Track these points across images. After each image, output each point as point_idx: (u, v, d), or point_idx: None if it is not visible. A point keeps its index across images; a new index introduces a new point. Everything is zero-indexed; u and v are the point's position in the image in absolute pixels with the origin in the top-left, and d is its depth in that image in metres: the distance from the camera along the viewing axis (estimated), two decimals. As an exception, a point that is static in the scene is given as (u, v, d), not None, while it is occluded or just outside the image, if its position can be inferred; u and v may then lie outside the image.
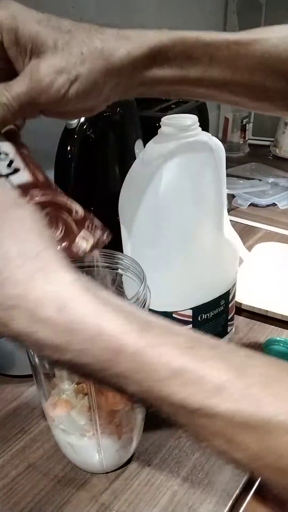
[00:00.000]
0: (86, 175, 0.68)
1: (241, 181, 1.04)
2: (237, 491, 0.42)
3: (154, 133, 0.47)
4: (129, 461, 0.45)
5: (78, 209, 0.31)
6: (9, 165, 0.30)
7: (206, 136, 0.46)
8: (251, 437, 0.21)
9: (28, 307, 0.23)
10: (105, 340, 0.22)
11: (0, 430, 0.49)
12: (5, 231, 0.24)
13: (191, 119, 0.45)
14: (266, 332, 0.61)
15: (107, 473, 0.44)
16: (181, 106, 1.00)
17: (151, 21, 1.06)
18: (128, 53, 0.29)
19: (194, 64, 0.31)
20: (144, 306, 0.37)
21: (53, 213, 0.30)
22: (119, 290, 0.50)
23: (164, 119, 0.45)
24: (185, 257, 0.49)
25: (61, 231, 0.30)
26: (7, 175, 0.29)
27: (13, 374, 0.55)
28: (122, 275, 0.45)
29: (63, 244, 0.30)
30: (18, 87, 0.28)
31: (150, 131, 0.50)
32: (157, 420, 0.49)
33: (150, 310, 0.39)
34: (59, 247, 0.29)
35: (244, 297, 0.65)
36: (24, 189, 0.30)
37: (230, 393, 0.21)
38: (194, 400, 0.22)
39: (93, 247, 0.31)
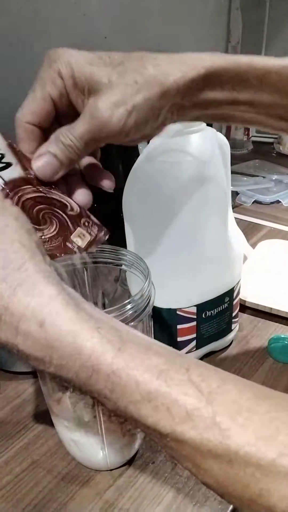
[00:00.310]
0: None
1: (245, 178, 1.03)
2: (242, 489, 0.42)
3: (159, 128, 0.47)
4: (133, 459, 0.45)
5: (73, 205, 0.31)
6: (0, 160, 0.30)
7: (211, 132, 0.46)
8: (218, 466, 0.22)
9: (12, 320, 0.23)
10: (82, 358, 0.23)
11: (3, 426, 0.49)
12: None
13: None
14: (270, 330, 0.61)
15: (111, 470, 0.44)
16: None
17: (154, 18, 1.05)
18: (184, 75, 0.29)
19: (245, 87, 0.31)
20: (148, 303, 0.37)
21: (46, 210, 0.30)
22: (123, 286, 0.50)
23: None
24: (190, 254, 0.49)
25: (55, 228, 0.30)
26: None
27: (17, 370, 0.55)
28: (126, 271, 0.44)
29: (57, 241, 0.30)
30: (80, 127, 0.29)
31: (154, 127, 0.50)
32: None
33: (155, 307, 0.39)
34: (53, 243, 0.29)
35: (248, 294, 0.64)
36: (16, 184, 0.29)
37: (199, 421, 0.22)
38: (164, 425, 0.22)
39: (89, 245, 0.31)
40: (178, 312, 0.51)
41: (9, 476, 0.44)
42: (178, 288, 0.50)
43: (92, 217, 0.32)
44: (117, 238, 0.50)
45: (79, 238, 0.31)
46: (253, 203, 0.96)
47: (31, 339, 0.23)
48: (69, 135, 0.29)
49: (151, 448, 0.46)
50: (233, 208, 0.53)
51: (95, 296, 0.50)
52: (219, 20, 1.29)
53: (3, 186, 0.29)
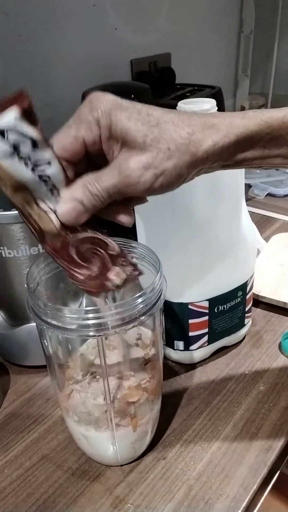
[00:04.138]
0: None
1: (258, 171, 1.02)
2: (255, 487, 0.41)
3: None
4: (143, 454, 0.44)
5: (114, 245, 0.33)
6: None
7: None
8: None
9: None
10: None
11: (14, 420, 0.49)
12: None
13: (209, 103, 0.43)
14: (284, 325, 0.60)
15: (122, 465, 0.43)
16: (196, 94, 0.99)
17: (164, 9, 1.03)
18: (215, 144, 0.30)
19: (277, 144, 0.32)
20: (160, 297, 0.36)
21: (93, 249, 0.32)
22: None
23: (181, 104, 0.44)
24: (202, 247, 0.47)
25: (99, 267, 0.32)
26: (55, 210, 0.30)
27: (27, 364, 0.54)
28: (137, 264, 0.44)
29: (99, 279, 0.32)
30: (107, 179, 0.30)
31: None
32: (172, 413, 0.48)
33: (166, 301, 0.38)
34: (96, 281, 0.32)
35: (261, 288, 0.63)
36: (73, 227, 0.31)
37: None
38: None
39: (124, 283, 0.33)
40: (190, 307, 0.50)
41: (19, 471, 0.43)
42: (190, 282, 0.49)
43: (128, 257, 0.34)
44: (128, 231, 0.49)
45: (117, 276, 0.33)
46: (266, 196, 0.94)
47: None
48: (96, 185, 0.30)
49: (162, 444, 0.45)
50: (246, 201, 0.51)
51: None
52: (232, 10, 1.26)
53: (59, 230, 0.31)
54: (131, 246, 0.41)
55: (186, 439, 0.46)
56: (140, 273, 0.34)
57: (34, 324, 0.53)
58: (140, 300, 0.34)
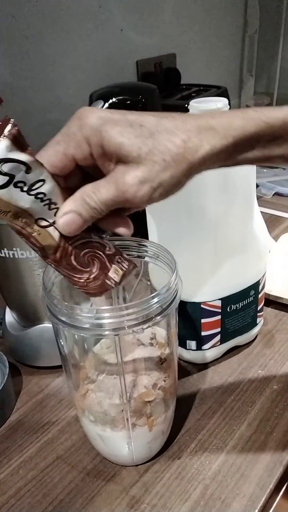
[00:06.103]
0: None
1: (265, 170, 1.02)
2: (271, 486, 0.41)
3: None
4: (158, 454, 0.44)
5: (110, 245, 0.34)
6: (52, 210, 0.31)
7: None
8: None
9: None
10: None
11: (27, 421, 0.49)
12: None
13: (222, 102, 0.43)
14: (296, 324, 0.60)
15: (137, 465, 0.43)
16: (201, 94, 0.99)
17: (169, 10, 1.03)
18: (212, 148, 0.29)
19: (278, 145, 0.31)
20: (175, 297, 0.36)
21: (91, 252, 0.33)
22: (145, 281, 0.49)
23: (193, 103, 0.44)
24: (215, 246, 0.47)
25: (97, 268, 0.33)
26: (53, 223, 0.30)
27: (39, 365, 0.54)
28: (147, 263, 0.43)
29: (100, 280, 0.33)
30: (104, 193, 0.29)
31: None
32: (186, 412, 0.48)
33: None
34: (97, 283, 0.33)
35: (272, 288, 0.63)
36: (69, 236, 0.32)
37: None
38: None
39: (122, 278, 0.34)
40: (202, 306, 0.50)
41: (34, 471, 0.43)
42: (203, 281, 0.49)
43: (123, 253, 0.34)
44: (139, 230, 0.49)
45: (115, 274, 0.33)
46: (273, 195, 0.94)
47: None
48: (94, 197, 0.29)
49: (177, 443, 0.45)
50: (255, 200, 0.51)
51: (116, 290, 0.49)
52: (236, 10, 1.26)
53: (58, 241, 0.31)
54: (144, 245, 0.41)
55: (201, 438, 0.45)
56: (135, 266, 0.35)
57: (46, 325, 0.53)
58: (155, 300, 0.34)
